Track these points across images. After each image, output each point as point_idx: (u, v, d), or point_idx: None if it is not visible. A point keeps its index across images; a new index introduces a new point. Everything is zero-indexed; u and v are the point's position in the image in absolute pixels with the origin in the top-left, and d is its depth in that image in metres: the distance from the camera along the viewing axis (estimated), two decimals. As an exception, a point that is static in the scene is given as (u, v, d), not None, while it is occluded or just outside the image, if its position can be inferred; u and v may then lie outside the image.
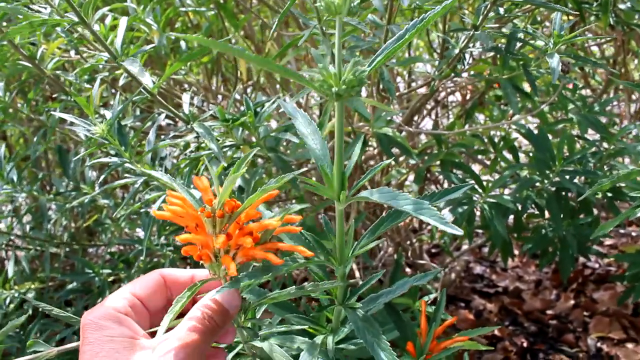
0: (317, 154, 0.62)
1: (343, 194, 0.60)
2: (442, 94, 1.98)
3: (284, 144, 1.25)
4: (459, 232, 0.53)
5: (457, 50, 1.12)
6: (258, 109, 1.00)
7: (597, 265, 2.40)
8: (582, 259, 2.26)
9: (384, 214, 0.67)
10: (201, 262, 0.59)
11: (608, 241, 2.51)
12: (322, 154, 0.62)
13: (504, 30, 1.28)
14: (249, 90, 2.02)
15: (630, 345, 1.93)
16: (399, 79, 2.27)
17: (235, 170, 0.57)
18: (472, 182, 1.39)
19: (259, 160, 1.23)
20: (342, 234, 0.65)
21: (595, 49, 2.12)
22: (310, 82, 0.51)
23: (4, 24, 1.28)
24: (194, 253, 0.58)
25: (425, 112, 2.05)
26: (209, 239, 0.58)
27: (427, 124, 2.28)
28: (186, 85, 1.76)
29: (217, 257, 0.58)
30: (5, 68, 1.34)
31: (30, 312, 1.40)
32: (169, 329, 0.54)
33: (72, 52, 1.19)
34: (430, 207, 0.54)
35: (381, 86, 1.32)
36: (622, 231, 2.52)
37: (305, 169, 1.32)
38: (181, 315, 0.57)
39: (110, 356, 0.52)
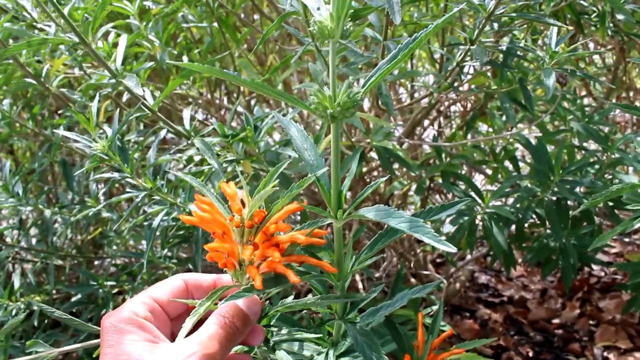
0: (314, 170, 0.62)
1: (340, 212, 0.60)
2: (446, 104, 1.99)
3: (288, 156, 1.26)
4: (452, 249, 0.52)
5: (453, 65, 1.13)
6: (258, 124, 1.01)
7: (603, 274, 2.39)
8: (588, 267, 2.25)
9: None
10: (225, 269, 0.59)
11: (614, 249, 2.50)
12: (319, 169, 0.62)
13: (504, 40, 1.29)
14: (252, 102, 2.03)
15: (637, 355, 1.91)
16: (402, 89, 2.28)
17: (265, 185, 0.57)
18: (470, 197, 1.38)
19: (262, 173, 1.25)
20: (340, 251, 0.65)
21: (596, 57, 2.13)
22: (304, 104, 0.52)
23: (10, 41, 1.31)
24: (219, 260, 0.58)
25: (427, 122, 2.06)
26: (235, 247, 0.58)
27: (431, 134, 2.29)
28: (190, 99, 1.78)
29: (241, 265, 0.59)
30: (12, 84, 1.37)
31: (35, 323, 1.41)
32: (189, 334, 0.54)
33: (77, 70, 1.21)
34: (424, 225, 0.54)
35: (380, 100, 1.33)
36: (627, 240, 2.51)
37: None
38: (201, 321, 0.57)
39: (131, 359, 0.52)
